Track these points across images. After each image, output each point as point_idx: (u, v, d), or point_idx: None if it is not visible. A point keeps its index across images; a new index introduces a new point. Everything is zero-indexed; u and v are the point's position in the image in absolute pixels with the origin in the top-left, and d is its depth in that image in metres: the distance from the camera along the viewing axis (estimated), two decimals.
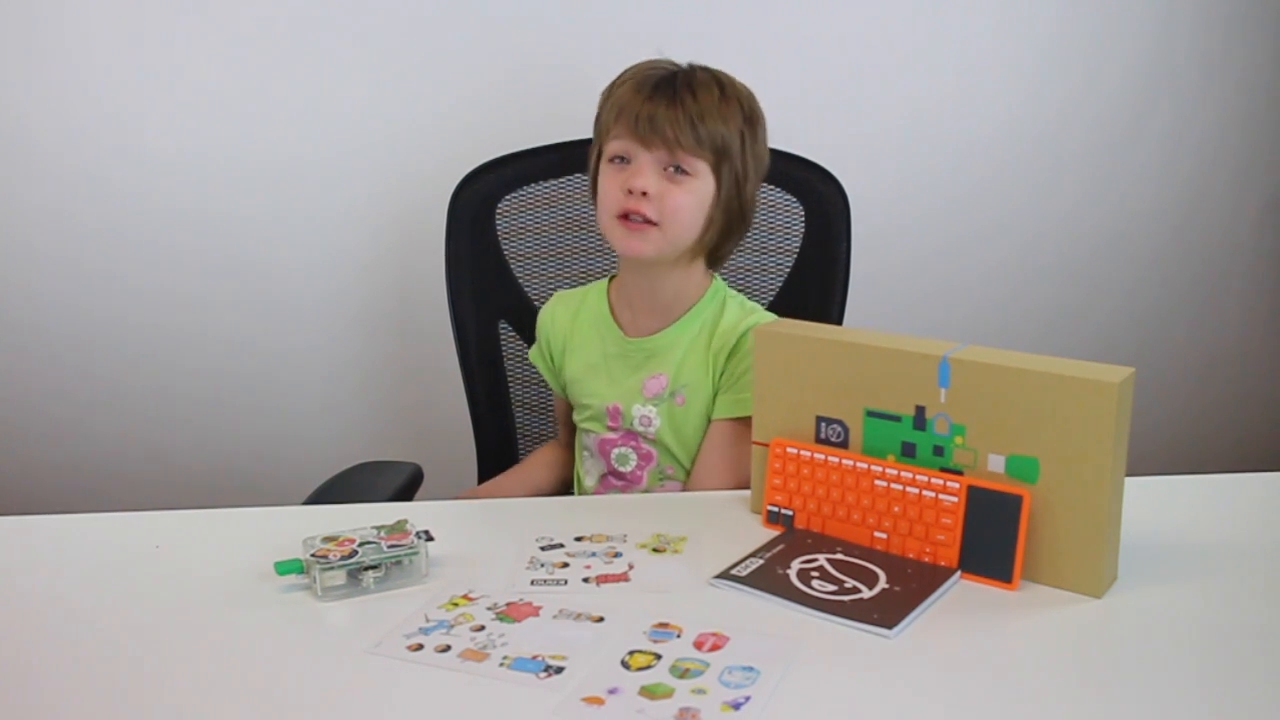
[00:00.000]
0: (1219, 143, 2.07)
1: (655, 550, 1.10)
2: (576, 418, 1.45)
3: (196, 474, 2.01)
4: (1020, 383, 0.99)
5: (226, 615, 0.99)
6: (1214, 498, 1.23)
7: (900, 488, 1.06)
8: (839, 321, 1.53)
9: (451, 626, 0.95)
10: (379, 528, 1.07)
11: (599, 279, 1.48)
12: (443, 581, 1.04)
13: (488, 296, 1.60)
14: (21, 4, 1.77)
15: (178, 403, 1.98)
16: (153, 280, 1.91)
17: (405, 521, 1.08)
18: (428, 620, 0.96)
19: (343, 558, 1.01)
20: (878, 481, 1.08)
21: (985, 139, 2.00)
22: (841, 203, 1.51)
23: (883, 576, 1.02)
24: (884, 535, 1.07)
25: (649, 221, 1.28)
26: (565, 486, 1.52)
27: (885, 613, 0.95)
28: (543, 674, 0.88)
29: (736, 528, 1.15)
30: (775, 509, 1.14)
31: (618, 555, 1.09)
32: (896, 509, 1.06)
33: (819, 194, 1.52)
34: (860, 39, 1.93)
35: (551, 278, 1.61)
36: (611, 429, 1.40)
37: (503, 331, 1.62)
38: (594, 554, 1.09)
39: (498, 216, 1.58)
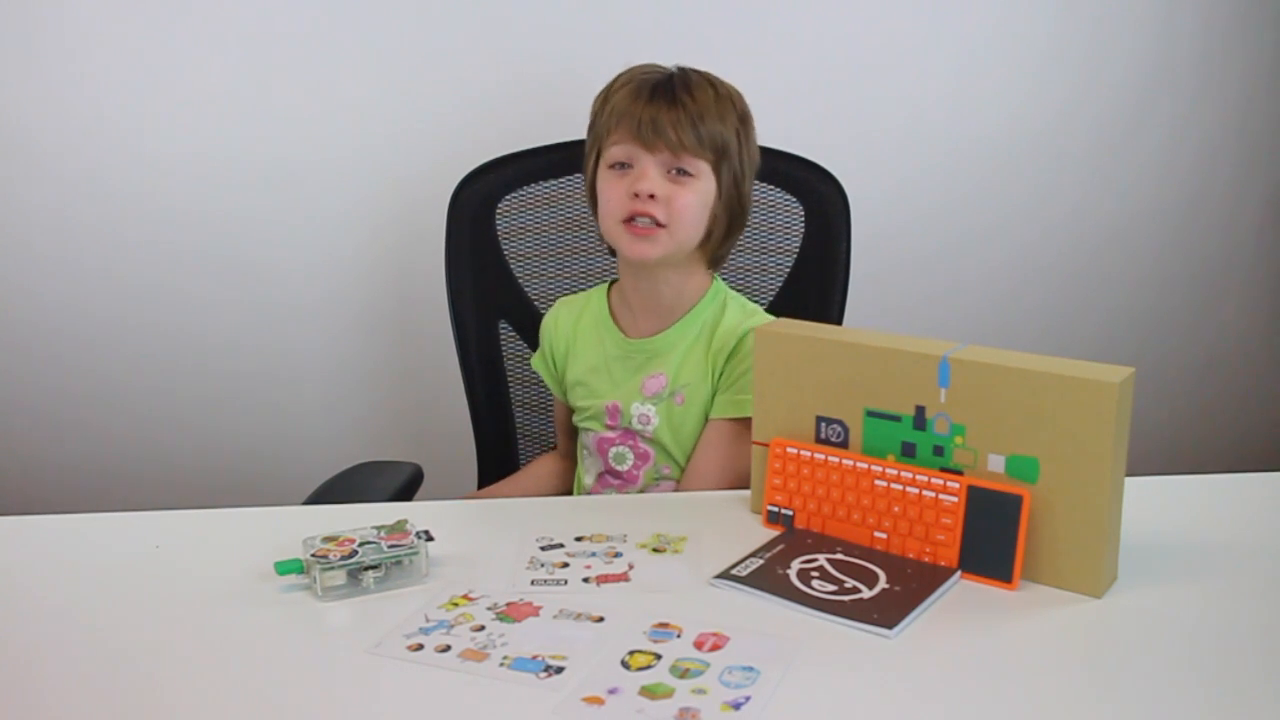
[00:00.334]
0: (1219, 143, 2.07)
1: (655, 550, 1.10)
2: (576, 419, 1.45)
3: (196, 474, 2.01)
4: (1020, 383, 0.99)
5: (226, 615, 0.99)
6: (1214, 498, 1.23)
7: (900, 488, 1.06)
8: (839, 321, 1.53)
9: (451, 626, 0.95)
10: (379, 528, 1.07)
11: (599, 279, 1.48)
12: (443, 581, 1.04)
13: (488, 296, 1.60)
14: (21, 4, 1.77)
15: (178, 403, 1.98)
16: (153, 280, 1.91)
17: (405, 521, 1.08)
18: (428, 620, 0.96)
19: (343, 558, 1.02)
20: (878, 481, 1.08)
21: (985, 139, 2.00)
22: (841, 203, 1.51)
23: (883, 576, 1.02)
24: (884, 535, 1.07)
25: (657, 224, 1.28)
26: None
27: (885, 613, 0.95)
28: (543, 674, 0.88)
29: (736, 528, 1.15)
30: (775, 509, 1.14)
31: (618, 555, 1.09)
32: (896, 509, 1.06)
33: (819, 194, 1.52)
34: (860, 39, 1.93)
35: (551, 278, 1.61)
36: (610, 427, 1.40)
37: (503, 331, 1.62)
38: (594, 554, 1.09)
39: (498, 216, 1.58)
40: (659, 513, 1.20)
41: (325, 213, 1.92)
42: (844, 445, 1.12)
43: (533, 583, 1.03)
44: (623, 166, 1.31)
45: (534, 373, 1.53)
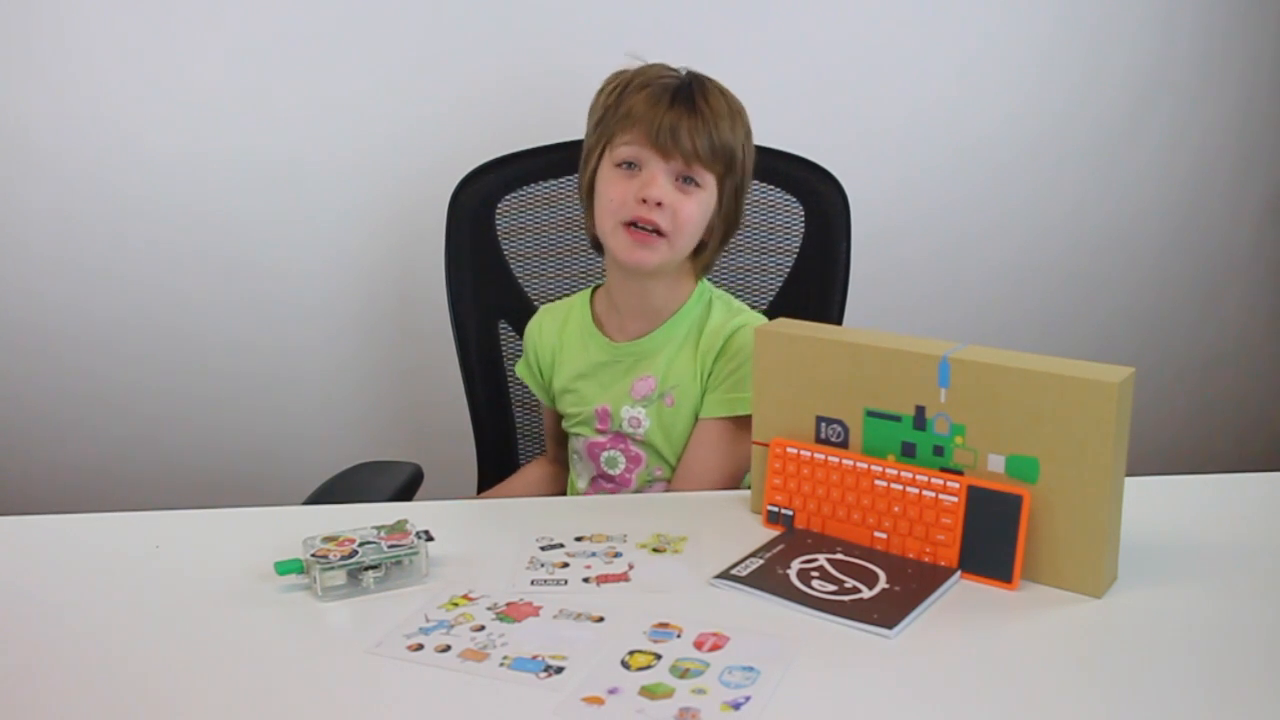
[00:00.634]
0: (1219, 143, 2.07)
1: (655, 550, 1.10)
2: (567, 425, 1.44)
3: (196, 474, 2.01)
4: (1020, 383, 0.99)
5: (226, 615, 0.99)
6: (1214, 498, 1.23)
7: (900, 488, 1.06)
8: (839, 321, 1.53)
9: (451, 626, 0.95)
10: (379, 528, 1.07)
11: (599, 279, 1.48)
12: (443, 581, 1.04)
13: (487, 296, 1.60)
14: (22, 5, 1.77)
15: (178, 403, 1.98)
16: (153, 280, 1.91)
17: (405, 521, 1.08)
18: (428, 620, 0.96)
19: (343, 558, 1.02)
20: (878, 481, 1.08)
21: (985, 139, 2.00)
22: (841, 203, 1.51)
23: (883, 576, 1.02)
24: (884, 535, 1.07)
25: (659, 233, 1.28)
26: None
27: (885, 613, 0.95)
28: (543, 674, 0.88)
29: (736, 528, 1.15)
30: (775, 509, 1.14)
31: (618, 555, 1.09)
32: (896, 509, 1.06)
33: (819, 194, 1.52)
34: (860, 39, 1.93)
35: (551, 278, 1.61)
36: (600, 431, 1.40)
37: (503, 331, 1.62)
38: (594, 554, 1.09)
39: (497, 216, 1.58)
40: (659, 513, 1.20)
41: (325, 213, 1.92)
42: (844, 445, 1.12)
43: (533, 583, 1.03)
44: (630, 166, 1.29)
45: None
